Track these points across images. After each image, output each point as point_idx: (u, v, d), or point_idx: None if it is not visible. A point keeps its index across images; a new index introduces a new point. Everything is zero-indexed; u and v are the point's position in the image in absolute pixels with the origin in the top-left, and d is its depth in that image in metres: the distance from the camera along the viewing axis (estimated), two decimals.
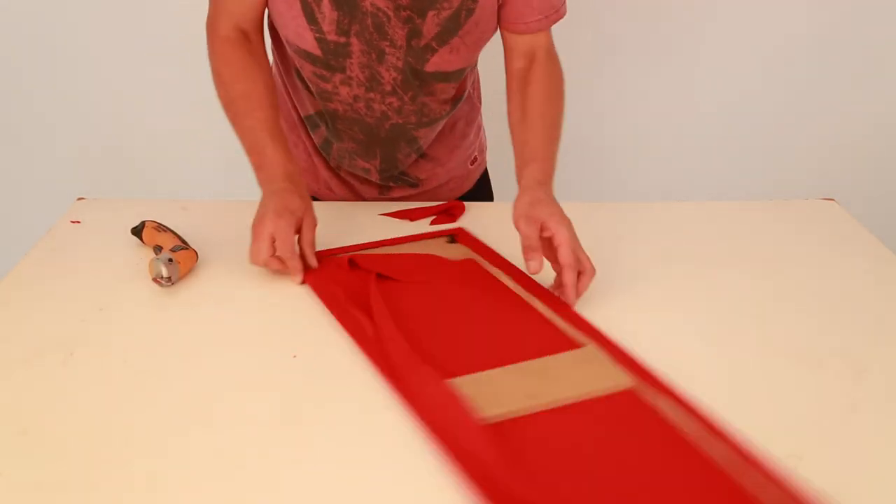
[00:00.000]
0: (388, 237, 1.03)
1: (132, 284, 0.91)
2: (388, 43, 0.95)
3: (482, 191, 1.26)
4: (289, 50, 1.02)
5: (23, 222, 1.71)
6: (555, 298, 0.88)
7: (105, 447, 0.67)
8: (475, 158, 1.22)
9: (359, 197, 1.18)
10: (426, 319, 0.85)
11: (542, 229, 0.87)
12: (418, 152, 1.13)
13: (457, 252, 1.00)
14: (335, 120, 1.07)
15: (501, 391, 0.73)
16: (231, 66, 0.97)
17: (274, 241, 0.89)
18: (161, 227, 0.98)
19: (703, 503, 0.62)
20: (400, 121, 1.05)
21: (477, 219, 1.09)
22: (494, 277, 0.94)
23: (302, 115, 1.12)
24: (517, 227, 0.88)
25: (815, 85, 1.86)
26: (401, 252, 0.99)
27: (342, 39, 0.95)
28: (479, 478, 0.62)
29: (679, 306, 0.91)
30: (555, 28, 1.03)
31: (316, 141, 1.13)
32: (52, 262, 0.96)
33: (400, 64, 0.98)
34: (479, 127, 1.23)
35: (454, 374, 0.74)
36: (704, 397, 0.75)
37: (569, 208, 1.11)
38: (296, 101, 1.12)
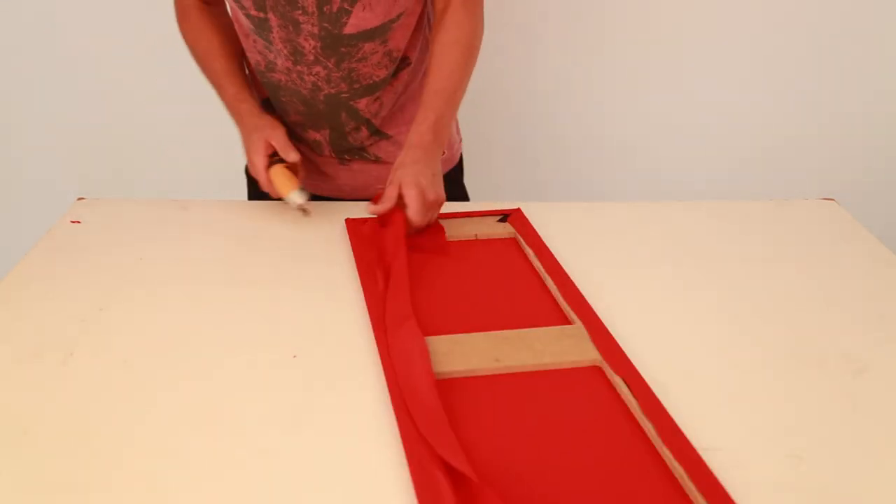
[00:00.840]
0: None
1: (132, 284, 0.91)
2: (300, 12, 0.98)
3: (452, 187, 1.25)
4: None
5: (23, 222, 1.71)
6: (564, 279, 0.92)
7: (105, 447, 0.67)
8: (443, 152, 1.22)
9: (320, 171, 1.19)
10: (440, 282, 0.93)
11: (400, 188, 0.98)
12: (369, 127, 1.14)
13: (503, 231, 1.05)
14: (278, 92, 1.11)
15: (473, 352, 0.79)
16: (191, 29, 1.11)
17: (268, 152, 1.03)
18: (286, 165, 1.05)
19: (623, 473, 0.66)
20: (332, 91, 1.07)
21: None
22: (524, 255, 1.00)
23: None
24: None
25: (815, 85, 1.86)
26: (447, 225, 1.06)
27: (261, 14, 1.00)
28: (408, 431, 0.68)
29: (678, 306, 0.91)
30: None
31: None
32: (52, 262, 0.96)
33: (316, 30, 1.00)
34: (454, 126, 1.23)
35: (438, 332, 0.81)
36: (704, 397, 0.75)
37: (569, 208, 1.12)
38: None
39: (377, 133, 1.15)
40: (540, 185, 1.95)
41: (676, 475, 0.65)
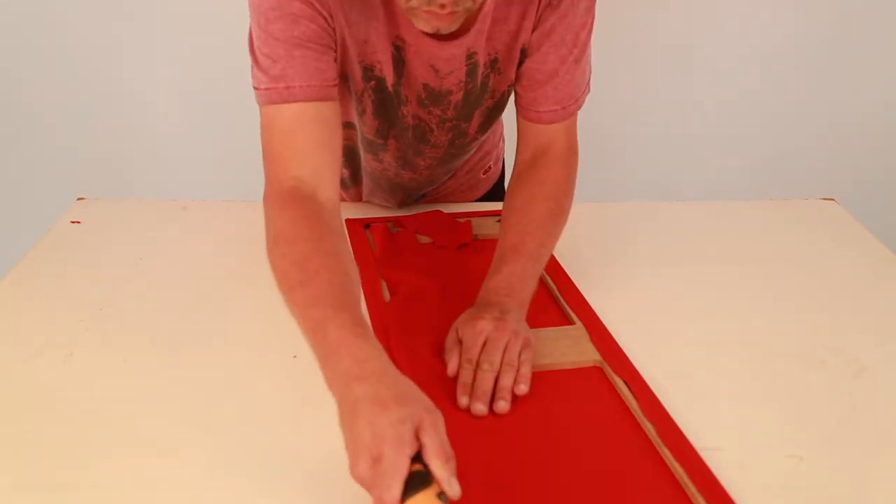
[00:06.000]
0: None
1: (132, 284, 0.91)
2: (428, 146, 0.95)
3: (493, 198, 1.23)
4: None
5: (23, 222, 1.71)
6: (564, 279, 0.93)
7: (105, 447, 0.67)
8: (488, 168, 1.19)
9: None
10: (439, 282, 0.92)
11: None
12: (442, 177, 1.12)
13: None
14: (362, 172, 1.06)
15: None
16: (296, 229, 0.72)
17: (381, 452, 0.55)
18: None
19: (623, 473, 0.66)
20: (427, 176, 1.05)
21: None
22: None
23: None
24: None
25: (815, 84, 1.86)
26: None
27: (380, 141, 0.94)
28: None
29: (679, 306, 0.91)
30: None
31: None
32: (52, 262, 0.96)
33: (440, 154, 0.97)
34: (500, 136, 1.20)
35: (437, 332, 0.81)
36: (704, 397, 0.75)
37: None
38: None
39: (448, 175, 1.13)
40: None
41: (676, 475, 0.65)
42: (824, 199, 1.18)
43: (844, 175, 1.95)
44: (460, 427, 0.69)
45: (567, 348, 0.80)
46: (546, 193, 0.88)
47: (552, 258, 0.96)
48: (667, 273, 0.97)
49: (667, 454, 0.67)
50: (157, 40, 1.71)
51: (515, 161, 0.93)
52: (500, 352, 0.74)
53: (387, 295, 0.89)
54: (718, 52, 1.81)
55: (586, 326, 0.84)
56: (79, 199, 1.11)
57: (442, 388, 0.74)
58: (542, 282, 0.94)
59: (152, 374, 0.76)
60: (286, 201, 0.74)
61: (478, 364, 0.73)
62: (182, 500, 0.62)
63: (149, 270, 0.94)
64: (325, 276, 0.67)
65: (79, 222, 1.05)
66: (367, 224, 1.04)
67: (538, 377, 0.77)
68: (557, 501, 0.63)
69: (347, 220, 1.04)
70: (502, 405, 0.72)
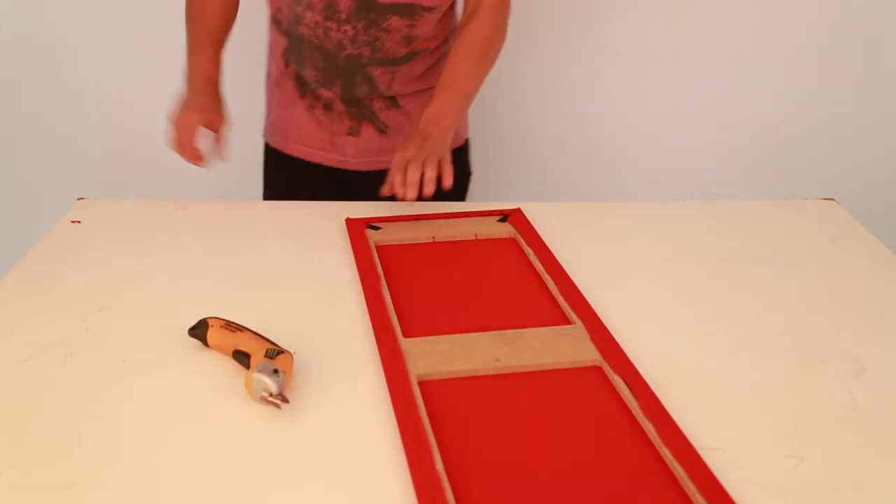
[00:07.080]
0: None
1: (132, 284, 0.91)
2: None
3: (457, 165, 1.26)
4: None
5: (23, 222, 1.71)
6: (564, 279, 0.92)
7: (105, 447, 0.67)
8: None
9: (330, 142, 1.21)
10: (440, 282, 0.93)
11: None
12: (378, 95, 1.17)
13: (503, 231, 1.05)
14: (301, 46, 1.13)
15: (473, 352, 0.79)
16: None
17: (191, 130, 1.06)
18: (232, 325, 0.80)
19: (623, 473, 0.66)
20: (354, 52, 1.11)
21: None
22: (524, 255, 1.00)
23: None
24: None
25: (815, 84, 1.86)
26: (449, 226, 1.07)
27: None
28: (407, 430, 0.68)
29: (678, 306, 0.91)
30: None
31: (290, 74, 1.20)
32: (52, 262, 0.96)
33: None
34: None
35: (438, 332, 0.82)
36: (704, 397, 0.75)
37: (570, 208, 1.12)
38: (274, 52, 1.19)
39: (390, 101, 1.18)
40: (540, 185, 1.95)
41: (676, 475, 0.65)
42: (824, 199, 1.18)
43: (844, 175, 1.95)
44: (461, 428, 0.70)
45: (567, 348, 0.80)
46: (476, 39, 1.10)
47: (553, 258, 0.97)
48: (667, 273, 0.97)
49: (667, 454, 0.67)
50: (157, 40, 1.71)
51: (460, 21, 1.13)
52: (420, 167, 0.96)
53: (387, 294, 0.89)
54: (719, 53, 1.81)
55: (586, 326, 0.84)
56: (79, 199, 1.11)
57: (443, 388, 0.74)
58: (541, 281, 0.94)
59: (151, 375, 0.76)
60: None
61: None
62: (181, 499, 0.62)
63: (149, 270, 0.94)
64: (198, 26, 1.12)
65: (79, 222, 1.05)
66: (368, 224, 1.04)
67: (538, 377, 0.77)
68: (557, 501, 0.63)
69: (348, 220, 1.04)
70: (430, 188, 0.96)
